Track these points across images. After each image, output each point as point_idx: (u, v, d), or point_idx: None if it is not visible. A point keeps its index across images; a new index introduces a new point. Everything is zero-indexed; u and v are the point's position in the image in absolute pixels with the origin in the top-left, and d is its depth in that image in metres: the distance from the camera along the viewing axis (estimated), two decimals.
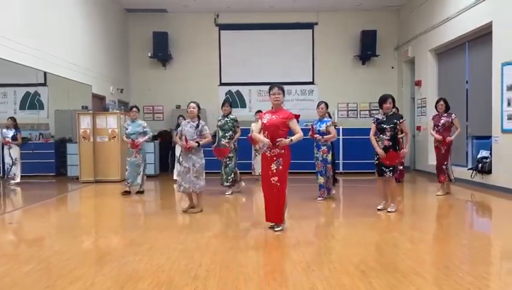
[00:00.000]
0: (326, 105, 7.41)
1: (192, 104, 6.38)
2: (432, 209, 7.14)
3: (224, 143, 7.83)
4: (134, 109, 8.39)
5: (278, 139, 4.95)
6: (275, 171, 5.09)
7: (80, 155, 10.16)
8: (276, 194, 5.11)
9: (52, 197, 8.50)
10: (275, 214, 5.16)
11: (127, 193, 8.25)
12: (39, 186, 10.01)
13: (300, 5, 12.82)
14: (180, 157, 6.43)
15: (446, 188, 7.97)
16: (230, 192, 8.13)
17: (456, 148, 8.40)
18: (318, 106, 7.42)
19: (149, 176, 9.49)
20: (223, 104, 8.07)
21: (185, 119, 6.77)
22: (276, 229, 5.16)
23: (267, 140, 5.03)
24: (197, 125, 6.32)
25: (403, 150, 6.34)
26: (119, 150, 10.25)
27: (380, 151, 6.22)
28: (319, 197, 7.40)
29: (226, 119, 7.92)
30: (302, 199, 7.51)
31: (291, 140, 5.06)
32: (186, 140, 6.19)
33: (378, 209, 6.40)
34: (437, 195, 7.90)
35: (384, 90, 12.20)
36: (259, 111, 8.65)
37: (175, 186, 9.53)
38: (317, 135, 7.22)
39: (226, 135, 7.87)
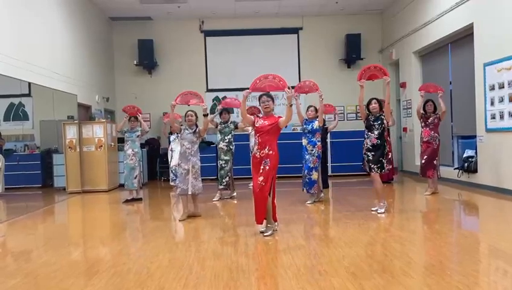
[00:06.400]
0: (316, 109, 7.50)
1: (190, 112, 6.59)
2: (420, 209, 7.21)
3: (221, 146, 8.12)
4: (133, 119, 8.44)
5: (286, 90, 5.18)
6: (261, 171, 5.15)
7: (67, 165, 10.03)
8: (260, 194, 5.13)
9: (39, 209, 8.38)
10: (260, 215, 5.17)
11: (128, 201, 8.30)
12: (25, 198, 9.86)
13: (285, 10, 12.89)
14: (179, 160, 6.51)
15: (433, 187, 8.06)
16: (217, 198, 8.14)
17: (442, 148, 8.51)
18: (308, 109, 7.47)
19: None
20: (221, 114, 8.31)
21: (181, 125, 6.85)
22: (265, 234, 5.17)
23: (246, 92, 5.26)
24: (195, 131, 6.52)
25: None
26: (106, 159, 10.16)
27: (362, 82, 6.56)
28: (313, 192, 7.39)
29: (227, 123, 8.16)
30: (290, 202, 7.52)
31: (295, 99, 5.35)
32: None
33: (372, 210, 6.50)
34: (425, 195, 7.96)
35: (370, 92, 12.26)
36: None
37: (171, 193, 9.54)
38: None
39: (226, 138, 8.10)
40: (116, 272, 3.99)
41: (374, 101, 6.48)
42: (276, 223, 5.38)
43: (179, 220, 6.36)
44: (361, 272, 3.72)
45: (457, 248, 4.72)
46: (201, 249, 4.72)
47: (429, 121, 7.94)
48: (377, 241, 5.03)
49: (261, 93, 5.39)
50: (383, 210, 6.39)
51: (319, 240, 5.11)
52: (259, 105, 5.43)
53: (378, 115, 6.44)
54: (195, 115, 6.63)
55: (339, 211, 6.90)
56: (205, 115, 6.50)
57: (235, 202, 8.15)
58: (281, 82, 5.32)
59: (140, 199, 8.51)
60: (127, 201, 8.33)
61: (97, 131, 10.27)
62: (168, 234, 5.69)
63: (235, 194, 8.45)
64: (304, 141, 7.36)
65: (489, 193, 7.97)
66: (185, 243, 5.24)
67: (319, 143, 7.31)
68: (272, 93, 5.43)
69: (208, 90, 13.68)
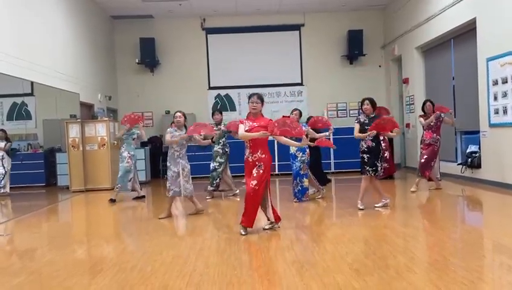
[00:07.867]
0: (300, 113, 7.47)
1: (178, 114, 6.53)
2: (423, 205, 7.20)
3: (217, 150, 8.04)
4: None
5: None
6: (255, 174, 5.09)
7: (70, 164, 10.05)
8: (252, 197, 5.06)
9: (43, 208, 8.41)
10: (251, 218, 5.09)
11: (112, 201, 8.21)
12: (29, 197, 9.90)
13: (286, 7, 12.85)
14: (168, 162, 6.49)
15: (436, 184, 8.04)
16: (210, 196, 8.16)
17: (445, 144, 8.48)
18: (292, 112, 7.40)
19: (140, 183, 9.41)
20: (213, 114, 8.24)
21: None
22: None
23: (263, 132, 4.98)
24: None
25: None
26: (109, 158, 10.18)
27: (371, 133, 6.20)
28: (305, 199, 7.35)
29: (219, 126, 8.04)
30: (292, 199, 7.49)
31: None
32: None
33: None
34: (412, 191, 7.88)
35: (373, 89, 12.38)
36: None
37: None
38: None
39: (220, 141, 8.02)
40: (120, 269, 4.00)
41: (367, 102, 6.39)
42: (279, 223, 5.37)
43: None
44: (365, 268, 3.72)
45: (461, 244, 4.71)
46: (205, 246, 4.73)
47: (432, 122, 7.90)
48: (380, 237, 5.02)
49: (252, 93, 5.34)
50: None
51: (322, 237, 5.10)
52: (248, 103, 5.29)
53: (372, 116, 6.36)
54: (184, 115, 6.56)
55: (342, 207, 6.89)
56: (212, 141, 6.61)
57: (238, 199, 8.15)
58: (298, 128, 5.19)
59: (143, 197, 8.53)
60: (116, 199, 8.23)
61: (100, 130, 10.29)
62: (171, 232, 5.70)
63: (237, 191, 8.45)
64: (292, 148, 7.19)
65: (493, 188, 7.94)
66: (188, 240, 5.26)
67: (307, 150, 7.24)
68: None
69: (210, 88, 13.68)
